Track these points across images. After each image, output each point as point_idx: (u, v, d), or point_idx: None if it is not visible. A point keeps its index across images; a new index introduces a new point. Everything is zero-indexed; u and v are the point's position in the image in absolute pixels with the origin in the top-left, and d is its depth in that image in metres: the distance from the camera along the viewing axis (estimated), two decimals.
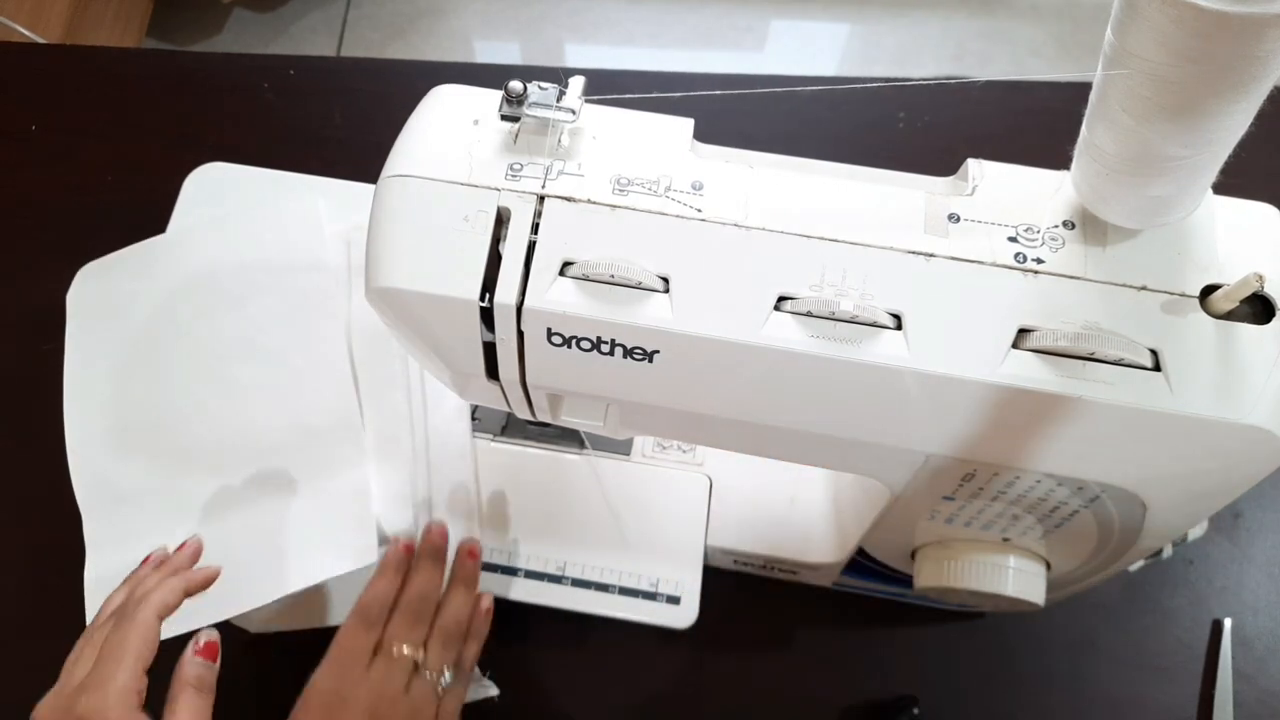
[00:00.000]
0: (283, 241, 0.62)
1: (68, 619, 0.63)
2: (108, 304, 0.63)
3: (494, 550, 0.58)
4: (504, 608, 0.57)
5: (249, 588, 0.54)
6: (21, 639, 0.62)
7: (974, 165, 0.38)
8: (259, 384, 0.59)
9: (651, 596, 0.56)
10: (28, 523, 0.65)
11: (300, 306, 0.61)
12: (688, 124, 0.40)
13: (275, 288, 0.61)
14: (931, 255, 0.36)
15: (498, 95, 0.39)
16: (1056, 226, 0.37)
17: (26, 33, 1.29)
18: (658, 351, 0.38)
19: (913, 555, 0.52)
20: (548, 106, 0.38)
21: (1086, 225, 0.37)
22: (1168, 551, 0.51)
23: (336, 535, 0.55)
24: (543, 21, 1.68)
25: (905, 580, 0.53)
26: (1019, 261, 0.36)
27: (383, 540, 0.56)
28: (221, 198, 0.67)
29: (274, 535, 0.55)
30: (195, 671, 0.45)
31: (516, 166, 0.38)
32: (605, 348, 0.38)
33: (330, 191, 0.66)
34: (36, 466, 0.66)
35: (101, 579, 0.57)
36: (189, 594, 0.49)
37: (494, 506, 0.59)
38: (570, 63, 1.68)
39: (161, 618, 0.47)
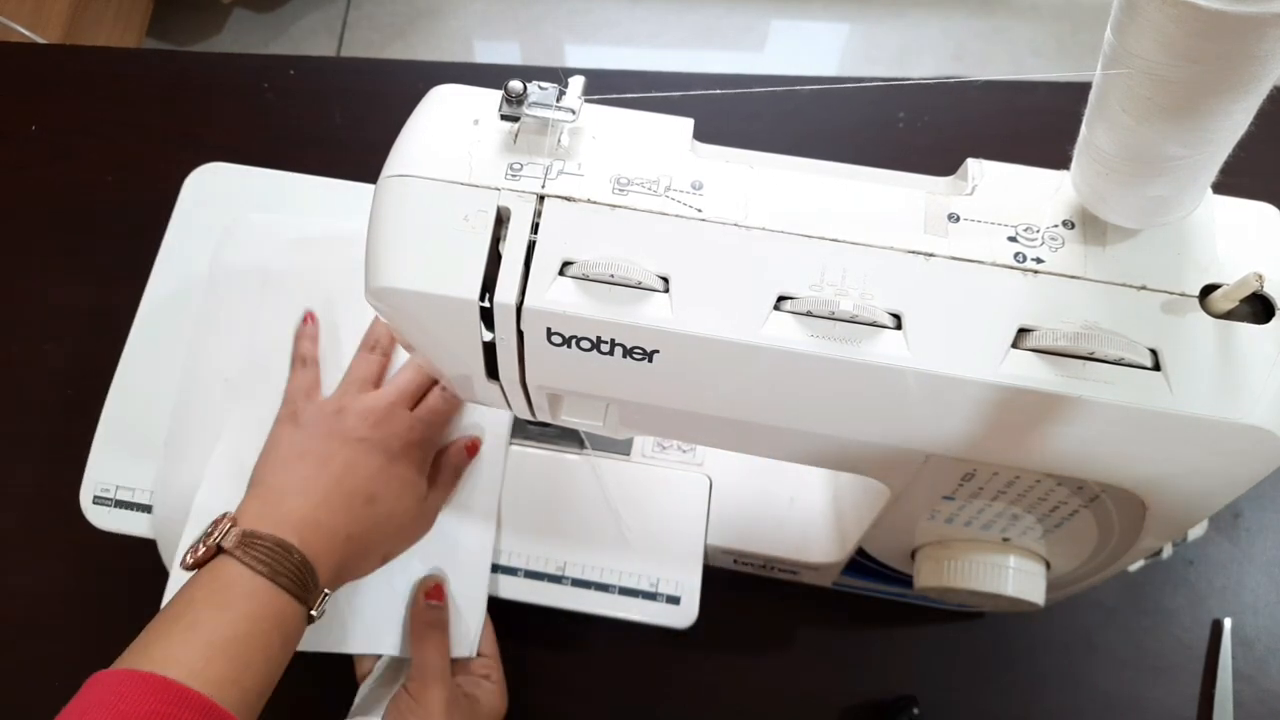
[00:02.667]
0: None
1: (76, 614, 0.63)
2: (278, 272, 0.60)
3: (495, 550, 0.58)
4: (504, 607, 0.57)
5: (347, 630, 0.54)
6: (29, 638, 0.62)
7: (974, 165, 0.38)
8: None
9: (651, 596, 0.56)
10: (32, 522, 0.65)
11: None
12: (688, 124, 0.40)
13: None
14: (931, 255, 0.36)
15: (498, 95, 0.39)
16: (1056, 226, 0.37)
17: (26, 33, 1.29)
18: (657, 351, 0.38)
19: (913, 555, 0.52)
20: (548, 106, 0.38)
21: (1086, 225, 0.37)
22: (1168, 551, 0.51)
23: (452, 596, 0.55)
24: (543, 21, 1.68)
25: (905, 580, 0.53)
26: (1019, 261, 0.36)
27: None
28: (221, 198, 0.67)
29: (388, 587, 0.55)
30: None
31: (516, 166, 0.38)
32: (605, 348, 0.38)
33: (330, 192, 0.66)
34: (38, 464, 0.66)
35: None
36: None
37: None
38: (570, 63, 1.68)
39: (425, 381, 0.55)
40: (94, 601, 0.63)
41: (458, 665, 0.54)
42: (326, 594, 0.47)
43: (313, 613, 0.46)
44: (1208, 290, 0.35)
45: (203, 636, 0.42)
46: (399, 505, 0.52)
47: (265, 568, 0.44)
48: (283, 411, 0.54)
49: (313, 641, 0.53)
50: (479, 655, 0.55)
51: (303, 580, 0.45)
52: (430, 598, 0.54)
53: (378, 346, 0.56)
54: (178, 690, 0.40)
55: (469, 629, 0.55)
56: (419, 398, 0.55)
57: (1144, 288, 0.36)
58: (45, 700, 0.53)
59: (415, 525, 0.54)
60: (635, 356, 0.38)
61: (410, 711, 0.49)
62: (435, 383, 0.55)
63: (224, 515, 0.47)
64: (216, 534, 0.45)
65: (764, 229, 0.37)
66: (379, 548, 0.52)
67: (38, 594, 0.64)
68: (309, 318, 0.58)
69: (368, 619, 0.55)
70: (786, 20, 1.68)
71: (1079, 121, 0.35)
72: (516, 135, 0.39)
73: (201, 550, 0.45)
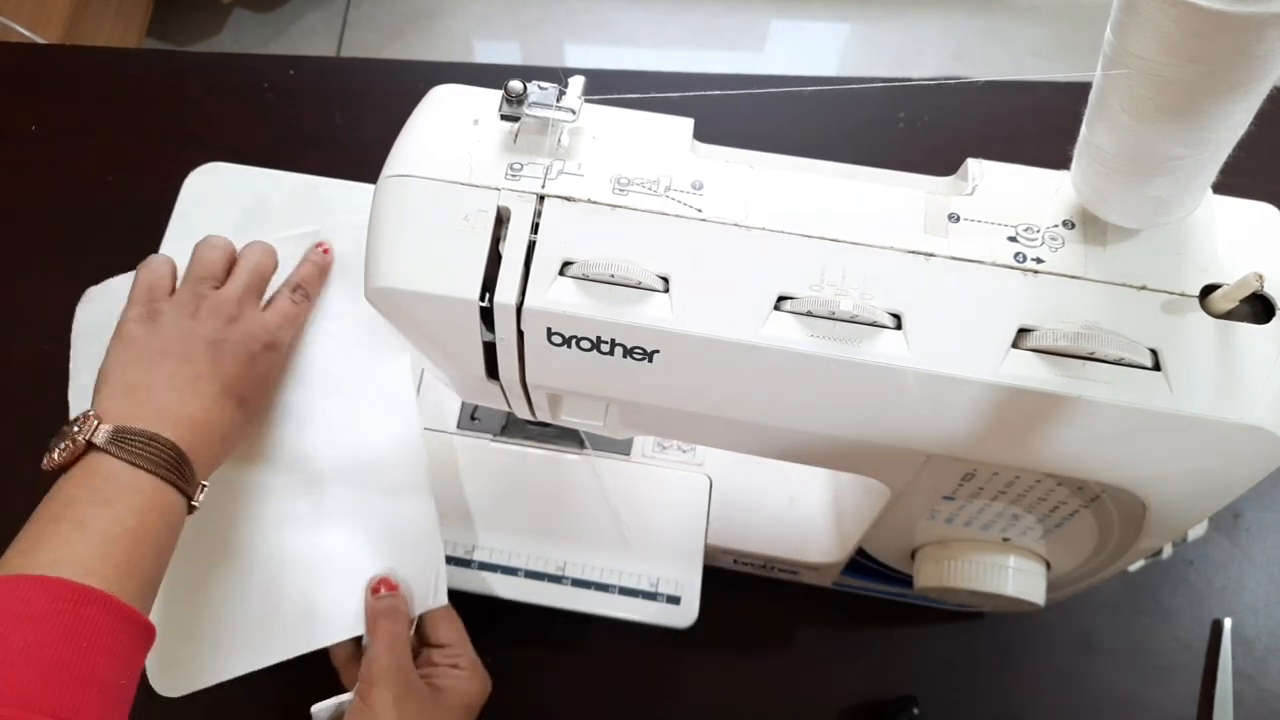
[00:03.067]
0: (339, 257, 0.60)
1: None
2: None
3: (494, 550, 0.58)
4: (504, 607, 0.57)
5: (309, 627, 0.53)
6: None
7: (974, 165, 0.38)
8: (313, 410, 0.57)
9: (651, 596, 0.56)
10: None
11: (360, 332, 0.58)
12: (688, 124, 0.40)
13: (333, 311, 0.59)
14: (931, 255, 0.36)
15: (498, 95, 0.39)
16: (1056, 226, 0.37)
17: (26, 33, 1.29)
18: (658, 351, 0.38)
19: (913, 555, 0.52)
20: (548, 106, 0.38)
21: (1086, 225, 0.37)
22: (1168, 551, 0.51)
23: (404, 579, 0.54)
24: (542, 22, 1.68)
25: (905, 580, 0.53)
26: (1019, 261, 0.36)
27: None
28: (221, 198, 0.67)
29: (335, 572, 0.54)
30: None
31: (516, 166, 0.38)
32: (605, 347, 0.38)
33: (330, 191, 0.66)
34: (38, 464, 0.66)
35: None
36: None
37: (494, 506, 0.59)
38: (570, 63, 1.68)
39: (268, 268, 0.55)
40: None
41: (420, 658, 0.53)
42: (205, 486, 0.48)
43: (194, 503, 0.47)
44: (1208, 290, 0.35)
45: (91, 534, 0.42)
46: (261, 405, 0.53)
47: (144, 461, 0.44)
48: (133, 310, 0.52)
49: (279, 649, 0.53)
50: (442, 645, 0.53)
51: (181, 472, 0.45)
52: (378, 591, 0.53)
53: (218, 242, 0.55)
54: (76, 589, 0.40)
55: (430, 579, 0.54)
56: (264, 291, 0.55)
57: (1144, 288, 0.36)
58: None
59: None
60: (635, 356, 0.38)
61: (359, 713, 0.48)
62: (271, 267, 0.56)
63: (86, 413, 0.46)
64: (82, 432, 0.45)
65: (764, 229, 0.37)
66: (239, 443, 0.53)
67: None
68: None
69: (321, 610, 0.54)
70: (786, 20, 1.68)
71: (1079, 121, 0.35)
72: (516, 135, 0.39)
73: (69, 448, 0.44)
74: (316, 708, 0.51)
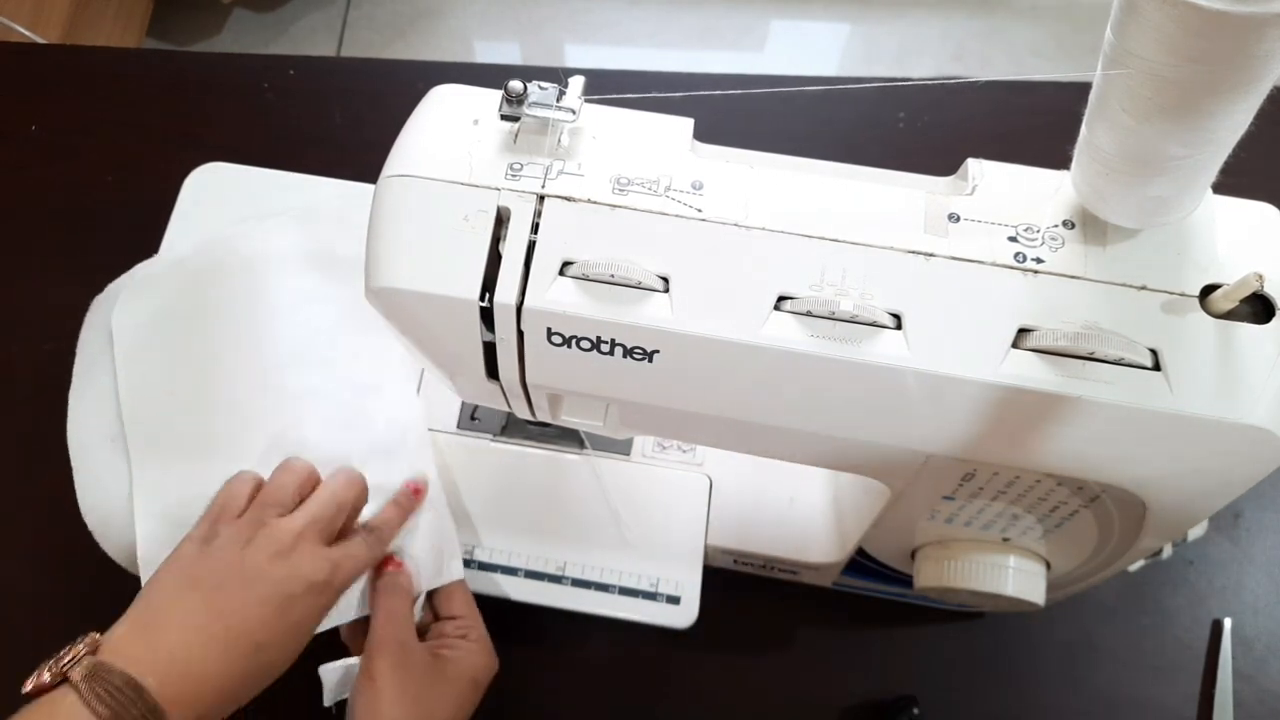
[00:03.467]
0: (344, 240, 0.60)
1: (70, 620, 0.62)
2: (139, 315, 0.60)
3: (494, 550, 0.58)
4: (504, 607, 0.57)
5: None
6: (22, 641, 0.62)
7: (974, 165, 0.38)
8: (315, 394, 0.57)
9: (651, 596, 0.56)
10: (35, 523, 0.65)
11: (353, 317, 0.58)
12: (688, 124, 0.40)
13: (334, 295, 0.59)
14: (931, 255, 0.36)
15: (498, 95, 0.39)
16: (1056, 226, 0.37)
17: (26, 33, 1.29)
18: (657, 351, 0.38)
19: (913, 555, 0.52)
20: (548, 106, 0.38)
21: (1086, 225, 0.37)
22: (1168, 551, 0.51)
23: (412, 556, 0.54)
24: (543, 22, 1.68)
25: (905, 580, 0.53)
26: (1019, 261, 0.36)
27: None
28: (221, 198, 0.67)
29: None
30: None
31: (516, 166, 0.38)
32: (605, 347, 0.38)
33: (330, 191, 0.66)
34: (38, 466, 0.66)
35: None
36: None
37: (494, 506, 0.59)
38: (570, 63, 1.68)
39: (348, 501, 0.51)
40: (107, 603, 0.63)
41: (432, 630, 0.53)
42: None
43: None
44: (1208, 290, 0.35)
45: None
46: (283, 655, 0.47)
47: (107, 711, 0.40)
48: (198, 529, 0.49)
49: None
50: (453, 618, 0.53)
51: None
52: (384, 567, 0.52)
53: (296, 465, 0.52)
54: None
55: (440, 555, 0.54)
56: (336, 528, 0.50)
57: (1144, 288, 0.36)
58: None
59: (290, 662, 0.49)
60: (635, 356, 0.38)
61: (361, 689, 0.48)
62: (357, 505, 0.52)
63: (86, 636, 0.43)
64: (70, 658, 0.42)
65: (764, 229, 0.37)
66: (248, 695, 0.47)
67: (39, 597, 0.63)
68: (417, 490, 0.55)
69: None
70: (786, 20, 1.68)
71: (1079, 121, 0.35)
72: (516, 135, 0.39)
73: (47, 675, 0.41)
74: (324, 668, 0.51)
